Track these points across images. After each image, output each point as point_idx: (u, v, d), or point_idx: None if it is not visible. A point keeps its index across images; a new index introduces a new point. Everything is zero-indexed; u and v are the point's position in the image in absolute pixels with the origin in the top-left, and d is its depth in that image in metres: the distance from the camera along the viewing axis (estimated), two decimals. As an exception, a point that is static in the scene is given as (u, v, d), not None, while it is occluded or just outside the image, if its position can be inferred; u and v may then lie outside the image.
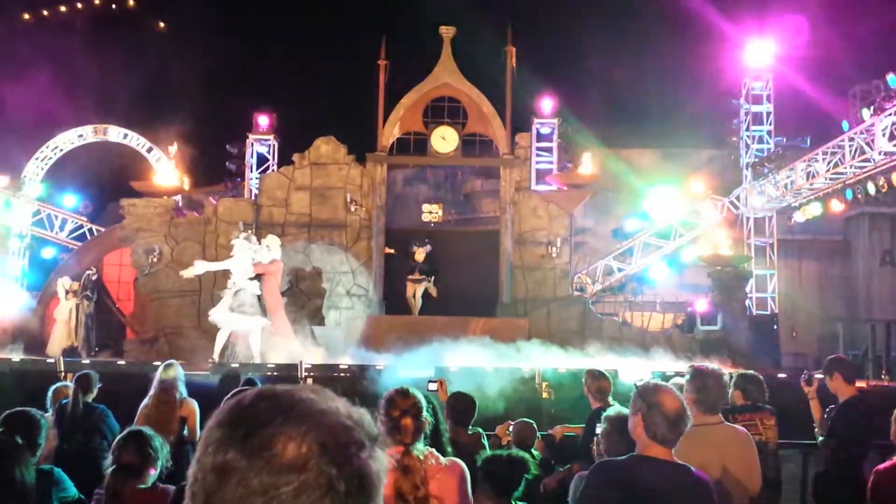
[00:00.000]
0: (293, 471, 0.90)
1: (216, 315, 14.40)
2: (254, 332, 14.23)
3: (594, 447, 4.91)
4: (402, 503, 3.42)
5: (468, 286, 18.10)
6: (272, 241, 15.58)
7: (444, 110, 19.53)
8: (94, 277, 17.90)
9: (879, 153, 14.15)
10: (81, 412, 6.47)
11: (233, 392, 3.36)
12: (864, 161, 14.75)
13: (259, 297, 14.85)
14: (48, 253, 21.39)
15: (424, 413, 3.88)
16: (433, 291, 18.01)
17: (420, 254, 18.02)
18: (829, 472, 6.18)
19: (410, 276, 18.03)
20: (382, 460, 0.98)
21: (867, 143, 14.39)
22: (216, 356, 13.88)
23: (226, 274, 15.14)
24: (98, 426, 6.44)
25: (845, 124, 15.21)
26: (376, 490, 0.96)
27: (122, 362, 14.43)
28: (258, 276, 14.82)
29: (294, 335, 15.78)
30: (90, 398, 6.70)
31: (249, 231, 15.83)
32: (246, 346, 14.20)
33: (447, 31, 19.55)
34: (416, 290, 17.94)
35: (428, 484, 3.66)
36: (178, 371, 6.95)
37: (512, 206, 18.95)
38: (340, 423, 0.96)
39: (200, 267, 14.86)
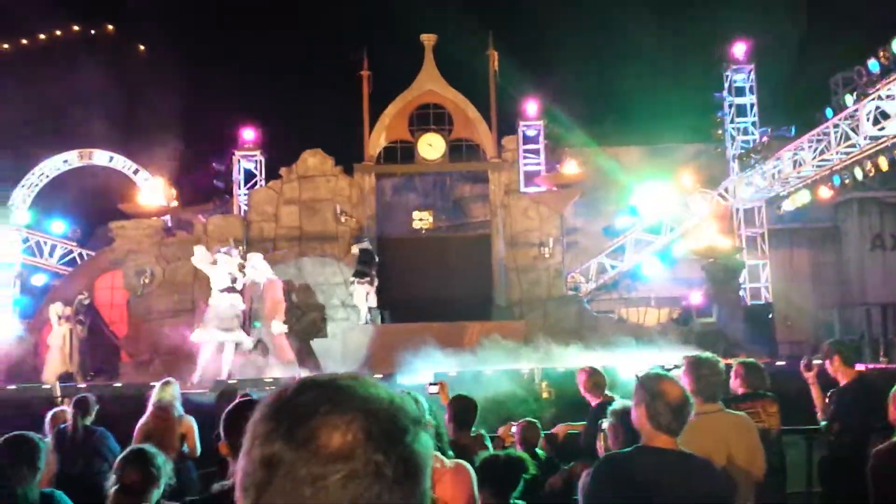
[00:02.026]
0: (340, 460, 0.91)
1: (198, 335, 14.35)
2: (227, 347, 14.17)
3: (599, 443, 4.90)
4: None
5: (463, 291, 18.07)
6: (255, 259, 15.51)
7: (429, 117, 19.56)
8: (86, 302, 17.79)
9: (865, 138, 14.22)
10: (81, 436, 6.42)
11: (233, 405, 3.33)
12: (849, 147, 14.82)
13: (242, 313, 14.76)
14: (39, 280, 21.26)
15: (426, 416, 3.86)
16: (365, 295, 17.02)
17: (355, 249, 17.34)
18: (833, 455, 6.18)
19: (353, 278, 17.28)
20: (428, 443, 0.98)
21: (852, 129, 14.46)
22: (196, 377, 13.78)
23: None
24: (99, 449, 6.39)
25: (829, 111, 15.28)
26: (423, 473, 0.96)
27: (119, 384, 14.35)
28: (232, 290, 14.62)
29: (292, 351, 15.76)
30: (89, 421, 6.65)
31: (230, 246, 15.67)
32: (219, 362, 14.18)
33: (428, 39, 19.60)
34: (359, 293, 16.99)
35: (434, 487, 3.63)
36: (175, 389, 6.92)
37: (502, 209, 18.97)
38: (384, 409, 0.96)
39: (200, 253, 14.81)
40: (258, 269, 15.39)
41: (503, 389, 10.01)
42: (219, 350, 14.34)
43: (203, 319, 14.57)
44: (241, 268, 15.05)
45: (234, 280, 14.60)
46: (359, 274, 16.96)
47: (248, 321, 15.43)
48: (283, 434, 0.93)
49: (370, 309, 17.10)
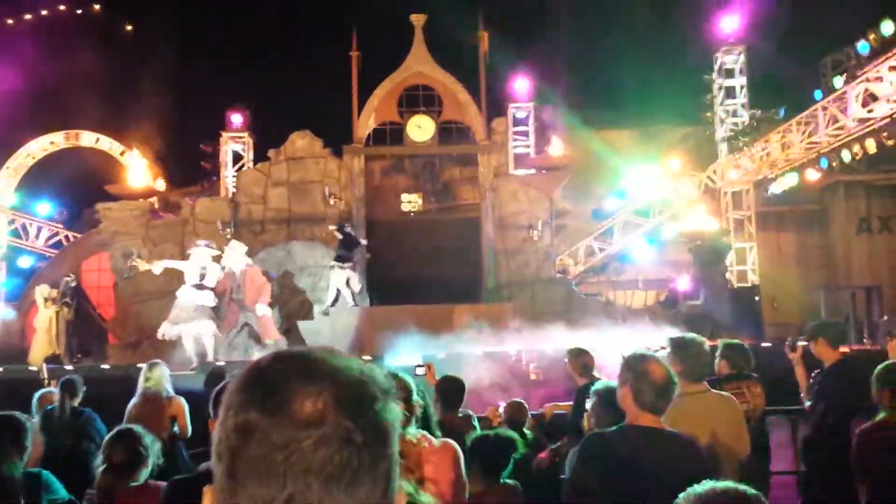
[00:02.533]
0: (311, 426, 0.95)
1: (160, 330, 14.26)
2: (205, 335, 14.13)
3: (584, 422, 4.94)
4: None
5: (452, 273, 18.08)
6: (233, 247, 15.40)
7: (418, 99, 19.49)
8: (72, 284, 17.70)
9: (853, 120, 14.25)
10: (69, 417, 6.43)
11: (223, 385, 3.34)
12: (837, 129, 14.86)
13: (214, 308, 14.64)
14: (25, 262, 21.14)
15: (415, 396, 3.89)
16: (348, 283, 16.85)
17: (337, 233, 17.01)
18: (816, 435, 6.24)
19: (333, 262, 17.03)
20: (396, 412, 1.03)
21: (840, 111, 14.50)
22: (195, 361, 13.80)
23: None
24: (86, 430, 6.41)
25: (818, 93, 15.31)
26: (391, 439, 1.01)
27: (106, 366, 14.32)
28: (200, 287, 14.50)
29: (278, 333, 15.76)
30: (76, 403, 6.65)
31: (211, 241, 15.52)
32: (201, 347, 14.18)
33: (418, 19, 19.49)
34: (339, 278, 16.77)
35: (422, 467, 3.67)
36: (163, 370, 6.94)
37: (491, 191, 18.96)
38: (353, 378, 1.00)
39: (157, 267, 14.80)
40: (233, 257, 15.26)
41: (491, 371, 10.05)
42: (199, 336, 14.31)
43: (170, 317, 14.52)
44: (218, 259, 14.97)
45: (202, 276, 14.49)
46: (340, 258, 16.92)
47: (225, 311, 15.34)
48: (258, 402, 0.97)
49: (354, 294, 17.04)
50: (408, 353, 11.30)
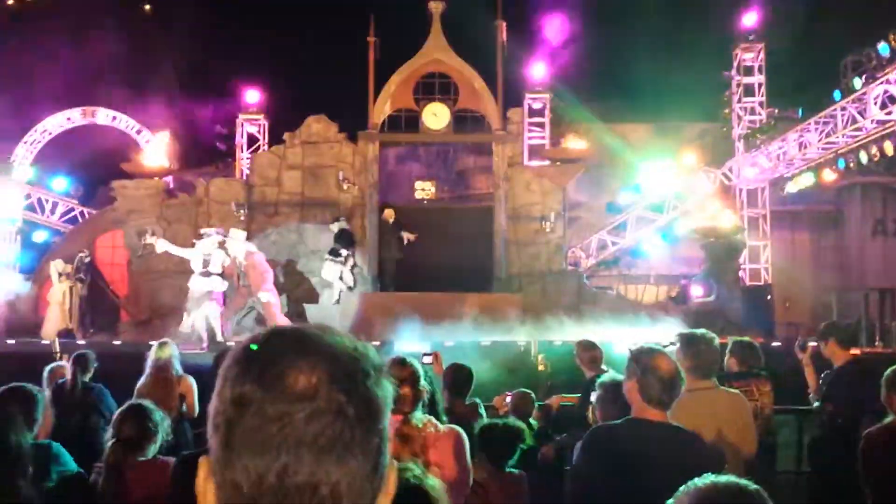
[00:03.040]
0: (305, 399, 0.97)
1: (185, 324, 14.46)
2: (211, 315, 14.32)
3: (589, 414, 4.95)
4: (401, 471, 3.44)
5: (462, 262, 18.07)
6: (234, 234, 15.52)
7: (435, 86, 19.42)
8: (87, 260, 17.84)
9: (871, 122, 14.15)
10: (80, 391, 6.48)
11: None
12: (856, 130, 14.76)
13: (224, 294, 14.86)
14: (40, 236, 21.29)
15: (422, 382, 3.91)
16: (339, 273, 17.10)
17: (334, 227, 17.34)
18: (824, 436, 6.23)
19: (327, 256, 17.33)
20: (387, 388, 1.05)
21: (859, 112, 14.39)
22: (206, 341, 13.97)
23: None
24: (96, 405, 6.47)
25: (837, 94, 15.19)
26: (383, 414, 1.03)
27: (118, 342, 14.44)
28: (208, 274, 14.65)
29: (284, 318, 15.85)
30: (87, 377, 6.71)
31: (217, 229, 15.64)
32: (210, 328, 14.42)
33: (436, 6, 19.39)
34: (332, 271, 17.08)
35: (427, 452, 3.70)
36: (172, 349, 6.98)
37: (505, 181, 18.90)
38: (347, 354, 1.03)
39: (161, 245, 15.01)
40: (234, 245, 15.38)
41: (499, 361, 10.07)
42: (207, 318, 14.51)
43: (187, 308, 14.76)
44: (222, 245, 15.11)
45: (206, 263, 14.69)
46: (333, 252, 17.07)
47: (234, 294, 15.54)
48: (253, 376, 1.00)
49: (349, 288, 17.18)
50: (414, 340, 11.34)
